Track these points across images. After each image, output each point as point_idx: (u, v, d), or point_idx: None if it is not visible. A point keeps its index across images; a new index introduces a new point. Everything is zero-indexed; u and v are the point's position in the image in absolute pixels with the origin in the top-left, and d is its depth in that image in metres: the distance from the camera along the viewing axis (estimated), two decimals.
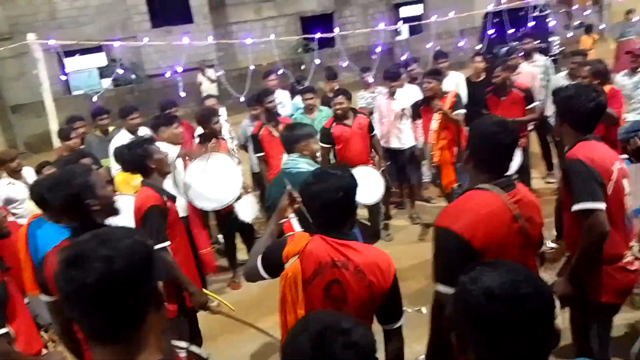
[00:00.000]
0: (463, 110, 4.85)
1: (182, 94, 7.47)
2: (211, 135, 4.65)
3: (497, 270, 1.14)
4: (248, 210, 4.64)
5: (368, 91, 6.28)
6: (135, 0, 15.29)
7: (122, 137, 4.86)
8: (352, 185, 1.98)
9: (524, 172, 4.93)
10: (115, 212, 2.31)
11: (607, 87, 4.00)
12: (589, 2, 10.28)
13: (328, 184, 1.92)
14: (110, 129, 5.61)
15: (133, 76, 14.30)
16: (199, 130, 5.04)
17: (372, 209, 5.22)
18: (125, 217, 2.86)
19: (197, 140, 4.84)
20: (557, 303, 2.01)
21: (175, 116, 4.59)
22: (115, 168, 4.14)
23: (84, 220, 2.14)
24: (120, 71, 11.38)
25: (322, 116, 5.43)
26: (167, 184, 3.38)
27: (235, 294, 4.70)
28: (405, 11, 18.83)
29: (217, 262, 4.77)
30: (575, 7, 10.16)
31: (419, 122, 5.18)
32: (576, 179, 2.21)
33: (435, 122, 4.82)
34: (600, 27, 11.42)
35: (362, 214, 5.44)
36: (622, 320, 2.98)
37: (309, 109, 5.56)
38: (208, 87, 12.04)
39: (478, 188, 1.97)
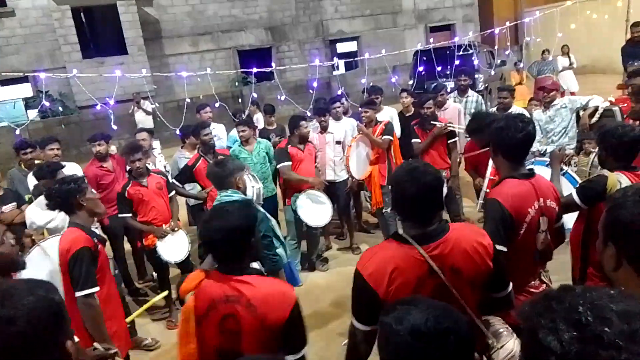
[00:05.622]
0: (389, 137, 5.16)
1: (114, 127, 7.23)
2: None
3: (418, 307, 1.16)
4: (174, 250, 4.34)
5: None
6: (65, 31, 14.86)
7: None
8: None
9: (451, 202, 5.15)
10: (17, 267, 2.19)
11: None
12: (509, 43, 11.14)
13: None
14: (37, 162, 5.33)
15: (61, 108, 13.70)
16: None
17: (311, 238, 5.24)
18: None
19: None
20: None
21: (59, 165, 4.20)
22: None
23: None
24: (46, 103, 10.85)
25: (260, 148, 5.45)
26: None
27: (172, 333, 4.51)
28: (341, 47, 19.48)
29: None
30: (496, 47, 10.94)
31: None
32: (488, 218, 2.31)
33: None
34: (521, 66, 12.33)
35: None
36: None
37: (244, 141, 5.57)
38: (143, 119, 11.76)
39: (394, 237, 1.91)
